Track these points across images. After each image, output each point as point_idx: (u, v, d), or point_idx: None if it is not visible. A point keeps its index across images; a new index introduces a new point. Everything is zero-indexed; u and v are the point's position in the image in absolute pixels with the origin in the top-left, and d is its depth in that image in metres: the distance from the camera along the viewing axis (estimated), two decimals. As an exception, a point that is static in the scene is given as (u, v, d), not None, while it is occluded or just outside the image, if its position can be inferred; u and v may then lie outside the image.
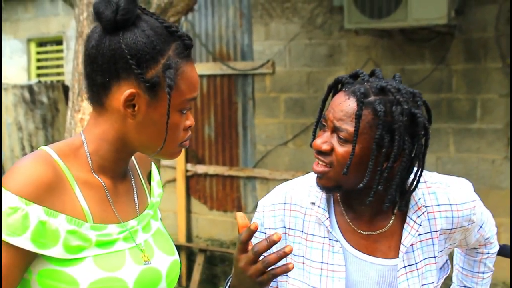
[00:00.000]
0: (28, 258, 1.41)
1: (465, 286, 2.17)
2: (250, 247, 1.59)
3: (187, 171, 7.10)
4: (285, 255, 1.55)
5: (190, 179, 7.13)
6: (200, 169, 7.00)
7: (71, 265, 1.43)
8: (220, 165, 6.90)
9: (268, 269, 1.56)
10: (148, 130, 1.50)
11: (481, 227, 1.99)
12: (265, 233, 1.93)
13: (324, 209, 1.88)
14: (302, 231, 1.90)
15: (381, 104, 1.71)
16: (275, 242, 1.55)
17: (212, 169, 6.92)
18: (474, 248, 2.11)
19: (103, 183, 1.54)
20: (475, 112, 5.45)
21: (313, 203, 1.89)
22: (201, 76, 6.88)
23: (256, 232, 1.92)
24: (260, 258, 1.57)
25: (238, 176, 6.79)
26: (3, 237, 1.36)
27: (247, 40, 6.63)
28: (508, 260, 2.36)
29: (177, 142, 1.54)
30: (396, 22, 5.12)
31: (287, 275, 1.90)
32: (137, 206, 1.64)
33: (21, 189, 1.38)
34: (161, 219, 1.77)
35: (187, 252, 7.09)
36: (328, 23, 6.08)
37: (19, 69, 8.63)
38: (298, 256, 1.89)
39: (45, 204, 1.40)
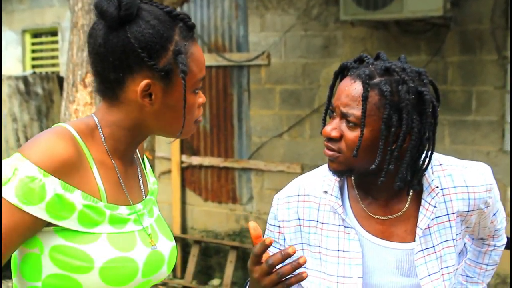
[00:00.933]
0: (36, 227, 1.42)
1: (467, 276, 2.16)
2: (264, 259, 1.60)
3: (182, 162, 7.09)
4: (299, 266, 1.56)
5: (185, 170, 7.12)
6: (195, 160, 6.99)
7: (86, 243, 1.44)
8: (215, 157, 6.90)
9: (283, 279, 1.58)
10: (167, 116, 1.53)
11: (494, 214, 1.99)
12: (279, 226, 1.95)
13: (337, 197, 1.88)
14: (317, 221, 1.90)
15: (386, 84, 1.72)
16: (289, 255, 1.56)
17: (207, 161, 6.92)
18: (482, 238, 2.10)
19: (115, 166, 1.56)
20: (470, 104, 5.45)
21: (326, 192, 1.90)
22: (196, 68, 6.88)
23: (270, 226, 1.95)
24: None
25: (233, 167, 6.79)
26: (19, 204, 1.37)
27: (243, 32, 6.62)
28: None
29: (192, 120, 1.58)
30: (392, 14, 5.12)
31: (305, 267, 1.90)
32: (143, 191, 1.67)
33: (41, 160, 1.39)
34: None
35: (182, 244, 7.09)
36: (324, 14, 6.07)
37: (14, 60, 8.60)
38: (314, 246, 1.90)
39: (63, 178, 1.41)
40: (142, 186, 1.67)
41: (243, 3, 6.58)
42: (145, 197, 1.66)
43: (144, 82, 1.47)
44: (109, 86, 1.51)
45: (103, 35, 1.48)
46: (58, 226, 1.43)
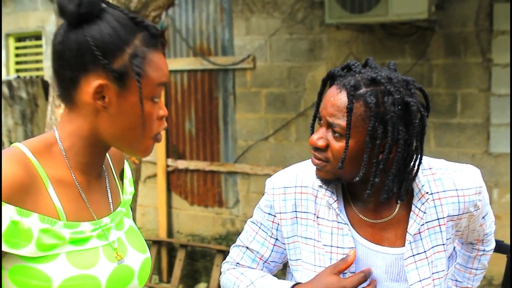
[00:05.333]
0: None
1: (456, 280, 2.16)
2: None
3: (167, 166, 7.07)
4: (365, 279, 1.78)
5: (170, 174, 7.10)
6: (181, 164, 6.97)
7: (44, 262, 1.42)
8: (201, 160, 6.88)
9: None
10: (121, 122, 1.49)
11: (483, 217, 1.99)
12: (274, 216, 1.95)
13: (332, 192, 1.87)
14: (314, 214, 1.90)
15: (372, 95, 1.70)
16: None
17: (193, 164, 6.90)
18: (471, 243, 2.10)
19: (76, 181, 1.52)
20: (455, 106, 5.47)
21: (321, 186, 1.89)
22: (181, 71, 6.87)
23: (264, 213, 1.95)
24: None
25: (219, 171, 6.77)
26: None
27: (228, 35, 6.61)
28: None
29: (150, 133, 1.53)
30: (377, 17, 5.13)
31: (301, 259, 1.91)
32: (111, 203, 1.63)
33: None
34: (132, 218, 1.76)
35: (168, 248, 7.07)
36: (309, 18, 6.08)
37: (-3, 65, 8.55)
38: (310, 239, 1.90)
39: (17, 203, 1.39)
40: (110, 199, 1.63)
41: (228, 7, 6.57)
42: (114, 210, 1.63)
43: (97, 82, 1.44)
44: (65, 86, 1.49)
45: (63, 32, 1.47)
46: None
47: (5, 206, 1.37)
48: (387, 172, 1.76)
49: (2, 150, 1.47)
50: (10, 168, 1.40)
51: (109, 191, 1.64)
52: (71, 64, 1.46)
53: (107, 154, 1.67)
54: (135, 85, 1.46)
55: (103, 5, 1.49)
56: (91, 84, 1.45)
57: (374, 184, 1.75)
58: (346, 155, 1.73)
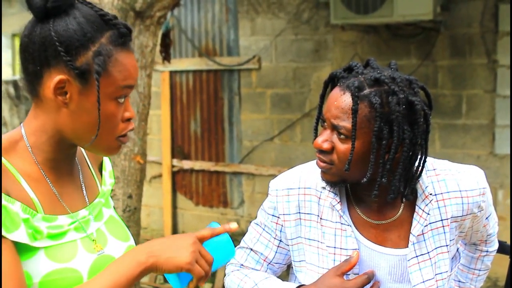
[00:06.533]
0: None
1: (459, 281, 2.16)
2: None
3: (173, 166, 7.08)
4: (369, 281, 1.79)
5: (176, 174, 7.11)
6: (186, 164, 6.98)
7: (24, 260, 1.41)
8: (206, 161, 6.89)
9: None
10: (82, 120, 1.47)
11: (487, 218, 1.98)
12: (278, 217, 1.95)
13: (335, 194, 1.87)
14: (317, 215, 1.90)
15: (376, 96, 1.70)
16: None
17: (198, 165, 6.91)
18: (474, 244, 2.10)
19: (45, 176, 1.52)
20: (460, 108, 5.47)
21: (324, 188, 1.89)
22: (187, 72, 6.88)
23: (268, 215, 1.95)
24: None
25: (224, 171, 6.78)
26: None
27: (233, 36, 6.62)
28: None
29: (114, 134, 1.51)
30: (382, 18, 5.13)
31: (304, 261, 1.91)
32: (86, 196, 1.62)
33: None
34: (114, 207, 1.75)
35: (173, 248, 7.07)
36: (314, 18, 6.08)
37: (4, 64, 8.56)
38: (313, 240, 1.90)
39: (4, 190, 1.39)
40: (85, 192, 1.62)
41: (234, 7, 6.58)
42: (90, 202, 1.62)
43: (58, 77, 1.43)
44: (29, 79, 1.49)
45: (30, 26, 1.47)
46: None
47: None
48: (394, 172, 1.76)
49: None
50: None
51: (83, 185, 1.63)
52: (34, 58, 1.46)
53: (81, 148, 1.67)
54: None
55: (74, 0, 1.47)
56: (53, 79, 1.44)
57: (381, 185, 1.75)
58: (352, 157, 1.72)
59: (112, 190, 1.77)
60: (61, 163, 1.57)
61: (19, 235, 1.40)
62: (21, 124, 1.55)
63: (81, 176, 1.64)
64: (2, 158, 1.46)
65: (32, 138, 1.52)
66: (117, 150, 1.55)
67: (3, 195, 1.38)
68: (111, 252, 1.58)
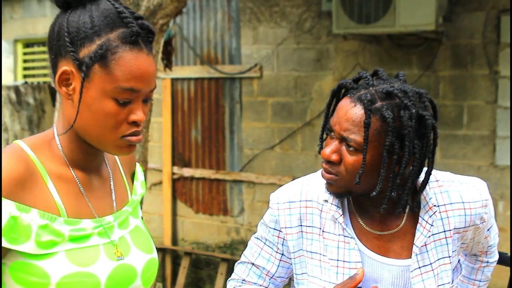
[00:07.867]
0: None
1: None
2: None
3: (173, 174, 7.08)
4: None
5: (176, 182, 7.11)
6: (187, 172, 6.98)
7: (43, 259, 1.42)
8: (207, 169, 6.89)
9: None
10: (83, 114, 1.45)
11: (488, 230, 1.98)
12: (279, 231, 1.93)
13: (338, 206, 1.85)
14: (319, 228, 1.88)
15: (388, 110, 1.67)
16: None
17: (198, 172, 6.91)
18: (475, 255, 2.10)
19: (75, 177, 1.52)
20: (461, 118, 5.47)
21: (326, 201, 1.87)
22: (188, 79, 6.89)
23: (270, 229, 1.94)
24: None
25: (225, 179, 6.78)
26: None
27: (235, 44, 6.62)
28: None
29: (116, 133, 1.47)
30: (384, 28, 5.13)
31: (306, 273, 1.90)
32: (114, 202, 1.61)
33: None
34: (142, 218, 1.74)
35: (172, 255, 7.06)
36: (316, 27, 6.09)
37: (5, 70, 8.57)
38: (315, 253, 1.88)
39: (16, 199, 1.39)
40: (114, 198, 1.61)
41: (236, 16, 6.59)
42: (118, 209, 1.61)
43: (63, 68, 1.43)
44: (51, 70, 1.48)
45: (55, 17, 1.48)
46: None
47: (4, 201, 1.37)
48: (403, 186, 1.75)
49: (2, 148, 1.47)
50: (8, 163, 1.40)
51: (113, 191, 1.63)
52: (52, 48, 1.47)
53: (115, 156, 1.67)
54: (98, 78, 1.42)
55: None
56: (60, 69, 1.44)
57: (390, 199, 1.74)
58: (363, 170, 1.70)
59: (142, 200, 1.76)
60: (88, 164, 1.56)
61: (27, 246, 1.40)
62: (54, 123, 1.55)
63: (112, 182, 1.64)
64: (34, 156, 1.45)
65: (61, 137, 1.52)
66: (128, 149, 1.51)
67: (14, 204, 1.38)
68: (132, 262, 1.56)
